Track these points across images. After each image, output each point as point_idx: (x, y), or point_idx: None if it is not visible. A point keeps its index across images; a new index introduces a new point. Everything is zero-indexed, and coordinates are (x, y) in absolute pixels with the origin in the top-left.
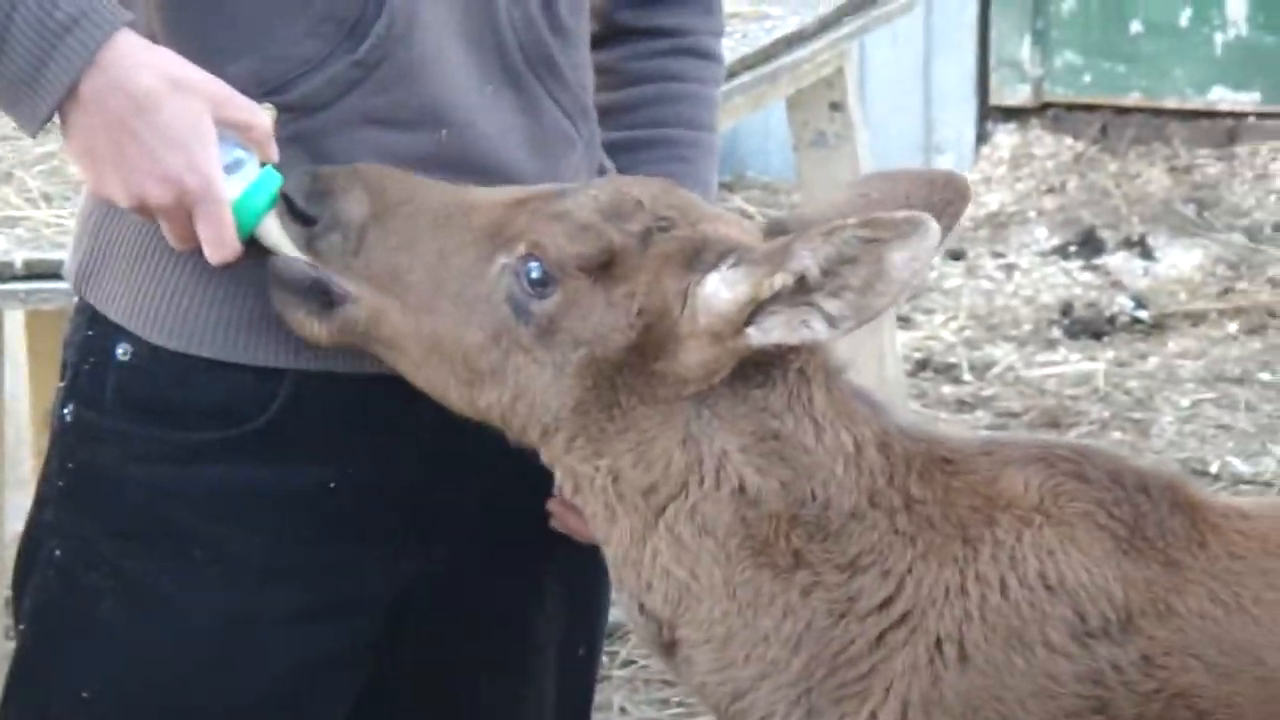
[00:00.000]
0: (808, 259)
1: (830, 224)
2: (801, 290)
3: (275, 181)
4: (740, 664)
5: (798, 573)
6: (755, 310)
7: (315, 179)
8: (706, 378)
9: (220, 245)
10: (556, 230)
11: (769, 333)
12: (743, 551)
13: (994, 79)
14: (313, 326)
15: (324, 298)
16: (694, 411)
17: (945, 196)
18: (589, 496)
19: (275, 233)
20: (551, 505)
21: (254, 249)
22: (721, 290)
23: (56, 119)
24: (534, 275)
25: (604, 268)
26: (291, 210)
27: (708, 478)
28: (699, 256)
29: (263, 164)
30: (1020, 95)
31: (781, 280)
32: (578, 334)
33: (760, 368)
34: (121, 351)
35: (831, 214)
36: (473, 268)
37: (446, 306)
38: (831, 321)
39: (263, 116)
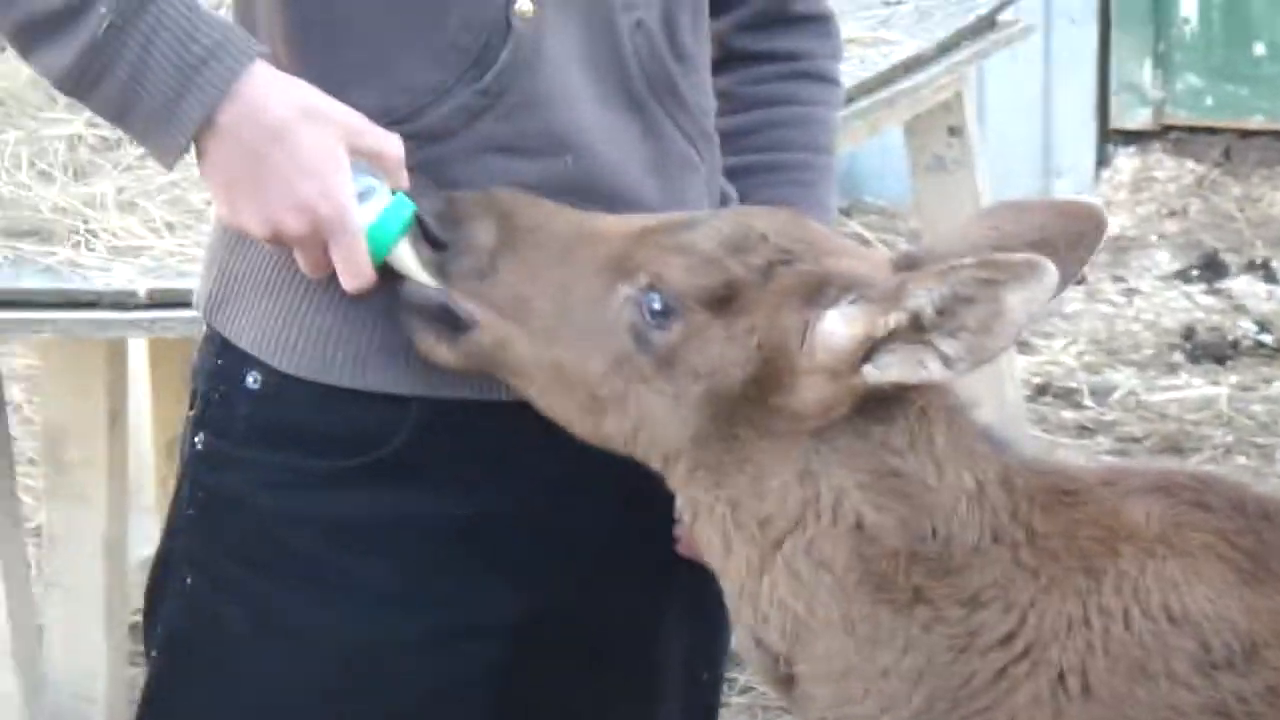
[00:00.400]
0: (923, 298)
1: (947, 264)
2: (918, 329)
3: (407, 208)
4: (859, 699)
5: (917, 608)
6: (872, 348)
7: (449, 203)
8: (824, 414)
9: (355, 273)
10: (678, 263)
11: (886, 371)
12: (861, 587)
13: (1114, 102)
14: (440, 351)
15: (452, 323)
16: (812, 447)
17: (1080, 228)
18: (707, 526)
19: (407, 259)
20: (680, 530)
21: (386, 276)
22: (839, 327)
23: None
24: (655, 306)
25: (725, 301)
26: (425, 234)
27: (825, 513)
28: (821, 292)
29: (394, 191)
30: (1141, 118)
31: (896, 319)
32: (697, 366)
33: (881, 405)
34: (252, 380)
35: (961, 246)
36: (596, 297)
37: (570, 334)
38: (947, 362)
39: (394, 144)
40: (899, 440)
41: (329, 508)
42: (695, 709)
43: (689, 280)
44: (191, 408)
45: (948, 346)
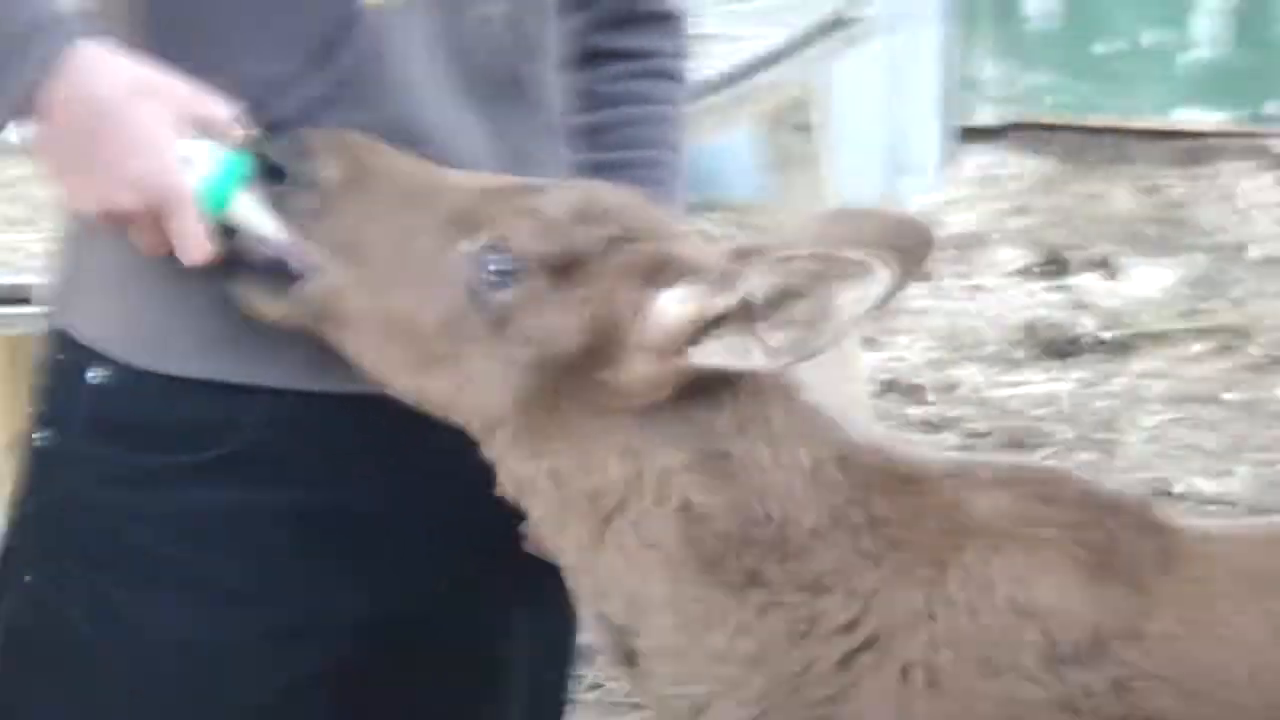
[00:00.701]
0: (754, 285)
1: (782, 253)
2: (748, 317)
3: (243, 164)
4: (696, 679)
5: (752, 591)
6: (700, 332)
7: (295, 138)
8: (649, 393)
9: (190, 244)
10: (523, 225)
11: (710, 356)
12: (692, 568)
13: (960, 100)
14: (268, 304)
15: (281, 273)
16: (636, 425)
17: (911, 243)
18: (532, 498)
19: (246, 209)
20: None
21: (229, 252)
22: (670, 307)
23: (21, 137)
24: (494, 266)
25: (565, 269)
26: (268, 166)
27: (649, 492)
28: (660, 272)
29: (228, 150)
30: (986, 116)
31: (724, 303)
32: (529, 331)
33: (710, 386)
34: (92, 375)
35: (798, 245)
36: (435, 250)
37: (404, 286)
38: (771, 353)
39: (222, 108)
40: (727, 422)
41: (171, 504)
42: (543, 707)
43: (532, 244)
44: (33, 404)
45: (773, 339)
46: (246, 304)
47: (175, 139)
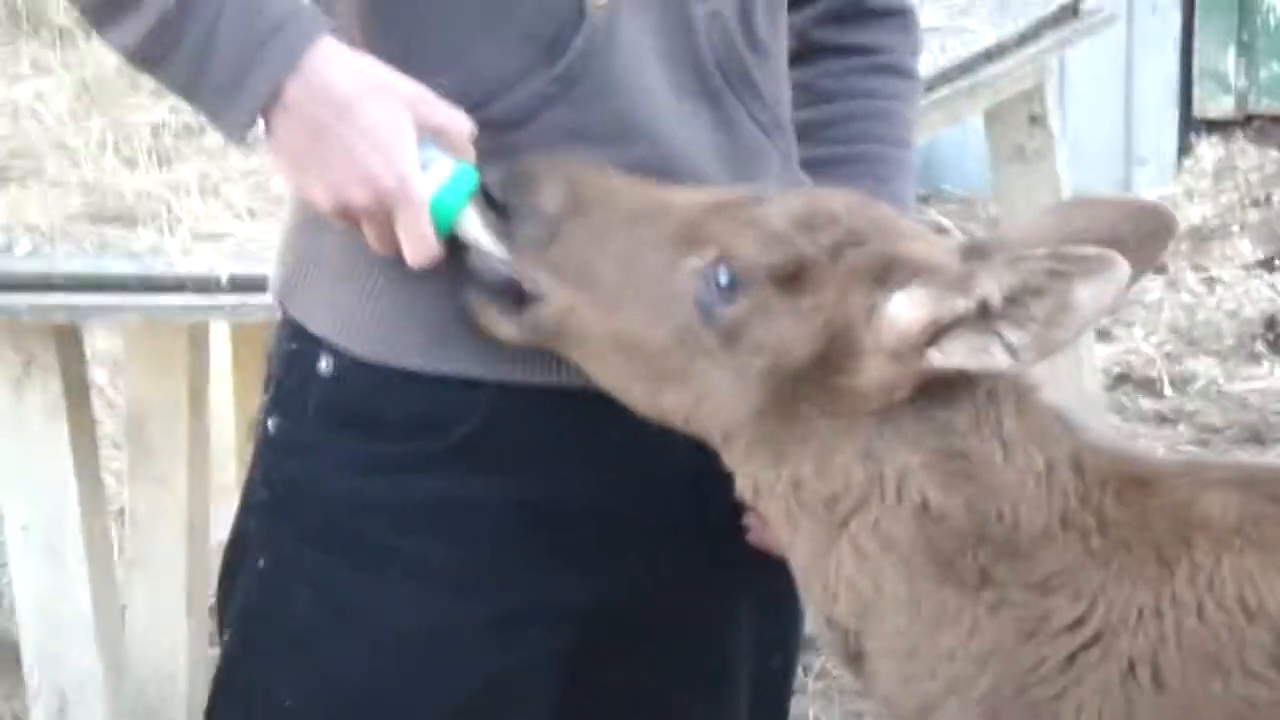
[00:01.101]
0: (991, 287)
1: (1018, 254)
2: (986, 317)
3: (472, 178)
4: (926, 678)
5: (984, 591)
6: (938, 333)
7: (514, 167)
8: (887, 396)
9: (419, 246)
10: (748, 237)
11: (950, 357)
12: (927, 567)
13: (1197, 90)
14: (502, 325)
15: (515, 295)
16: (876, 427)
17: (1152, 227)
18: (770, 503)
19: (473, 229)
20: (750, 519)
21: (454, 253)
22: (906, 310)
23: (261, 130)
24: (723, 280)
25: (793, 278)
26: (488, 198)
27: (889, 494)
28: (889, 274)
29: (459, 163)
30: (1224, 107)
31: (964, 305)
32: (762, 342)
33: (946, 387)
34: (324, 365)
35: (1033, 238)
36: (663, 268)
37: (635, 305)
38: (1013, 352)
39: (461, 119)
40: (965, 422)
41: (398, 493)
42: (766, 695)
43: (758, 255)
44: (266, 392)
45: (1014, 336)
46: (481, 321)
47: (411, 139)
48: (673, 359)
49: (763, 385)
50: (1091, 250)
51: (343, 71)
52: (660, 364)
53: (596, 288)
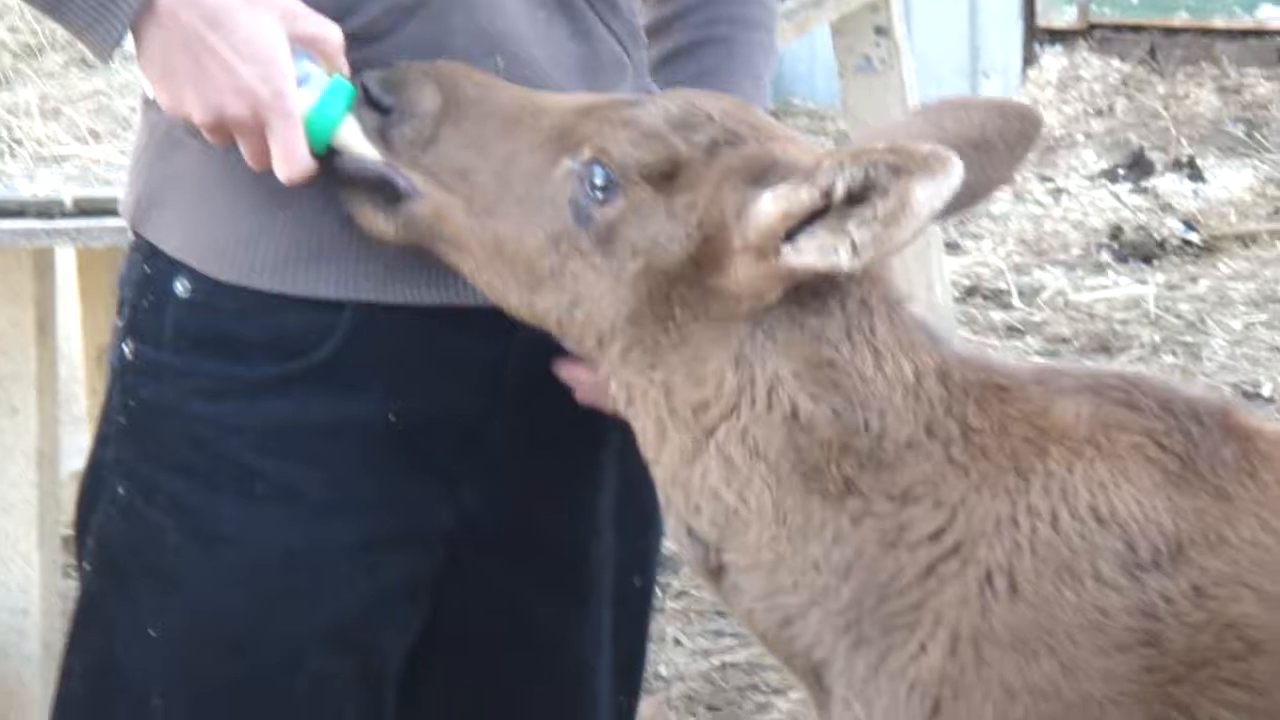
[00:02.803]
0: (834, 176)
1: (860, 147)
2: (834, 213)
3: (347, 90)
4: (788, 590)
5: (848, 500)
6: (792, 229)
7: (394, 70)
8: (757, 297)
9: (291, 160)
10: (623, 136)
11: (802, 254)
12: (794, 476)
13: (1040, 1)
14: (379, 222)
15: (390, 192)
16: (748, 333)
17: (1018, 129)
18: (641, 411)
19: (350, 138)
20: (574, 374)
21: (322, 171)
22: (767, 205)
23: (130, 46)
24: (597, 180)
25: (667, 178)
26: (368, 98)
27: (759, 400)
28: (763, 175)
29: (332, 75)
30: (1067, 17)
31: (809, 195)
32: (636, 242)
33: (818, 294)
34: (180, 287)
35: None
36: (538, 170)
37: (510, 207)
38: (855, 250)
39: (333, 30)
40: (835, 330)
41: (259, 415)
42: (627, 613)
43: (633, 154)
44: (120, 316)
45: (857, 235)
46: (359, 221)
47: (285, 51)
48: (548, 261)
49: (637, 288)
50: (926, 147)
51: None
52: (535, 266)
53: (472, 189)
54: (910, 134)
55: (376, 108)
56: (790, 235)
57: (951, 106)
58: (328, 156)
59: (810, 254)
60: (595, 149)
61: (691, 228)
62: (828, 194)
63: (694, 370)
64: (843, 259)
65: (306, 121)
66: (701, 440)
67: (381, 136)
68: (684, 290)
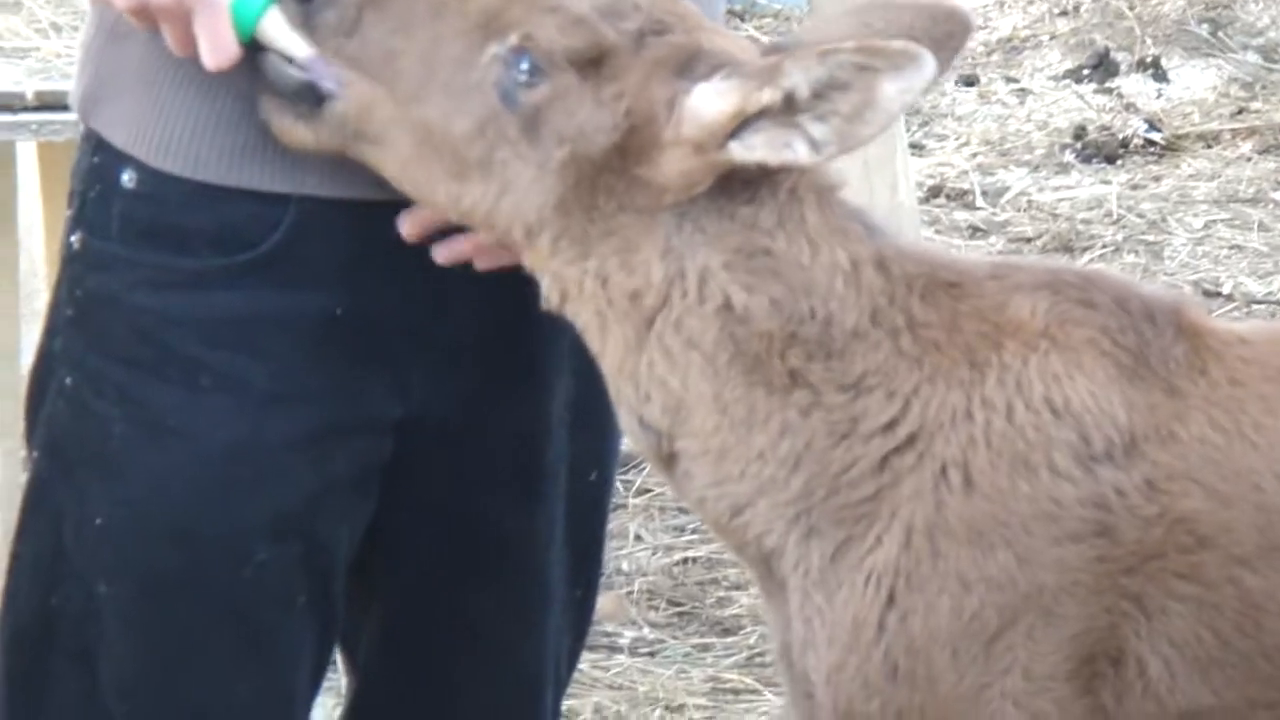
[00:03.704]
0: (799, 77)
1: (826, 45)
2: (789, 111)
3: None
4: (736, 479)
5: (795, 391)
6: (740, 125)
7: None
8: (685, 189)
9: (216, 48)
10: (549, 22)
11: (752, 150)
12: (733, 368)
13: None
14: (299, 130)
15: (312, 99)
16: (675, 223)
17: (947, 29)
18: (578, 304)
19: (274, 29)
20: (440, 254)
21: (253, 59)
22: (710, 101)
23: None
24: (523, 65)
25: (594, 64)
26: None
27: (690, 291)
28: (692, 65)
29: None
30: None
31: (770, 95)
32: (563, 130)
33: (748, 184)
34: (127, 178)
35: (830, 39)
36: (464, 55)
37: (437, 94)
38: (815, 146)
39: None
40: (768, 219)
41: (205, 307)
42: (583, 508)
43: (559, 40)
44: (69, 207)
45: (817, 130)
46: (276, 130)
47: None
48: (475, 150)
49: (564, 176)
50: (899, 44)
51: None
52: (462, 157)
53: (398, 78)
54: (839, 33)
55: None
56: (736, 130)
57: (881, 7)
58: (255, 49)
59: (760, 150)
60: (522, 34)
61: (619, 117)
62: (790, 94)
63: (626, 260)
64: (800, 155)
65: (232, 9)
66: (642, 330)
67: (305, 24)
68: (610, 180)
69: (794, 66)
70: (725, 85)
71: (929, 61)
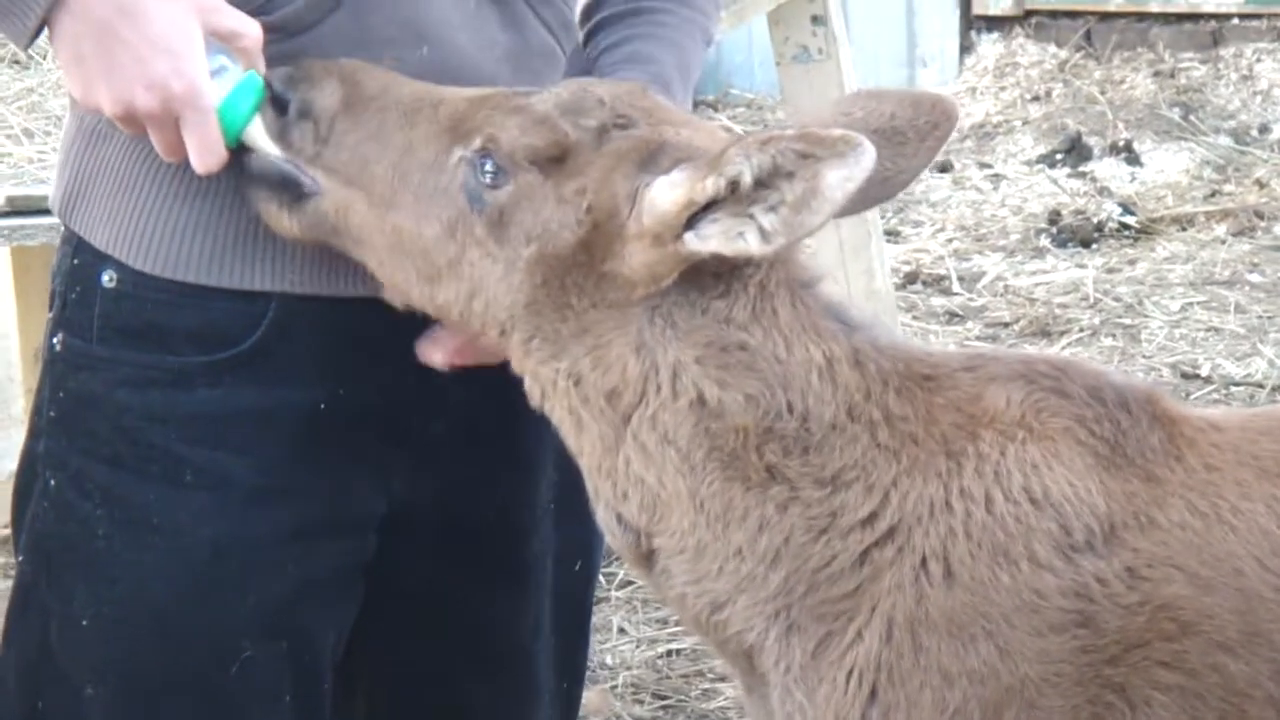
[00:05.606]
0: (742, 165)
1: (768, 134)
2: (739, 200)
3: (257, 87)
4: (714, 576)
5: (772, 486)
6: (696, 216)
7: (297, 67)
8: (652, 281)
9: (205, 152)
10: (512, 124)
11: (706, 240)
12: (709, 463)
13: None
14: (283, 219)
15: (295, 190)
16: (647, 318)
17: (932, 119)
18: (555, 402)
19: (258, 135)
20: (422, 349)
21: (240, 163)
22: (664, 192)
23: (47, 40)
24: (487, 166)
25: (557, 162)
26: (272, 95)
27: (664, 387)
28: (655, 158)
29: (247, 71)
30: (1003, 4)
31: (714, 184)
32: (529, 228)
33: (719, 278)
34: (107, 278)
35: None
36: (434, 160)
37: (408, 199)
38: (765, 235)
39: (251, 25)
40: (740, 313)
41: (187, 405)
42: (568, 597)
43: (521, 140)
44: (51, 308)
45: (766, 220)
46: (265, 218)
47: (199, 44)
48: (445, 251)
49: (532, 275)
50: (837, 132)
51: None
52: (434, 257)
53: (371, 184)
54: (820, 124)
55: (278, 104)
56: (690, 222)
57: (863, 97)
58: (240, 152)
59: (714, 240)
60: (485, 137)
61: (582, 213)
62: (734, 183)
63: (600, 358)
64: (751, 245)
65: (219, 114)
66: (620, 427)
67: (281, 136)
68: (579, 277)
69: (738, 154)
70: (678, 176)
71: (868, 150)
